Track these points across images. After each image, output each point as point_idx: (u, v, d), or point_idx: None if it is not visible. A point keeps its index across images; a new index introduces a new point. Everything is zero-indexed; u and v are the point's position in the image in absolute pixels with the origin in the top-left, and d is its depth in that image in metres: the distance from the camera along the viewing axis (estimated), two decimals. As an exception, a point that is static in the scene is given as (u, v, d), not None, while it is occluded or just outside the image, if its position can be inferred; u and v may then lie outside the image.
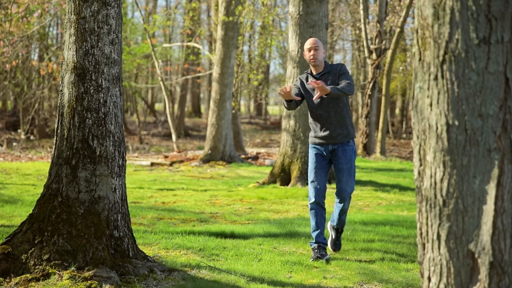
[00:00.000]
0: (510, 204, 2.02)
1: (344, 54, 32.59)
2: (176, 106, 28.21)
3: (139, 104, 32.45)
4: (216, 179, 11.33)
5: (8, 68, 16.25)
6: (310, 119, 5.19)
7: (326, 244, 5.06)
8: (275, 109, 49.17)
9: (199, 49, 23.21)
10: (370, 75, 16.80)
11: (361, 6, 16.77)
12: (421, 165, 2.20)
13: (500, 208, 2.02)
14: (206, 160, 14.02)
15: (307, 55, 5.12)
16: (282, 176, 9.88)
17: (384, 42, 16.58)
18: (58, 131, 4.26)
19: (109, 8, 4.23)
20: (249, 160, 15.19)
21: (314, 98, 4.85)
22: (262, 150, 18.21)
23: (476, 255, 2.05)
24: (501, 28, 2.02)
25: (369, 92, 16.84)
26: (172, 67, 28.02)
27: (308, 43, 5.13)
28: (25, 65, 20.83)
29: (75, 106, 4.18)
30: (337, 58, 33.31)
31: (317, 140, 5.10)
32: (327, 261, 4.91)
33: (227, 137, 14.23)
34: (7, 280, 3.90)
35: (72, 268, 3.90)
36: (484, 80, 2.04)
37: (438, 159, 2.12)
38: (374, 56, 16.67)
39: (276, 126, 31.68)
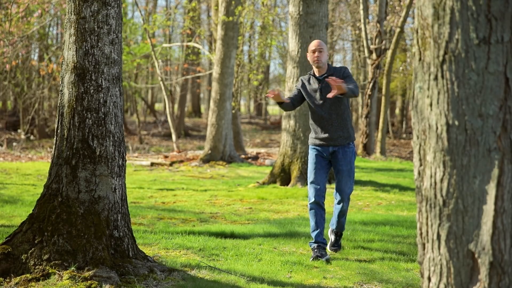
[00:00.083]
0: (510, 204, 2.02)
1: (344, 54, 32.60)
2: (176, 106, 28.22)
3: (139, 104, 32.46)
4: (216, 179, 11.33)
5: (8, 68, 16.25)
6: (311, 120, 5.21)
7: (326, 244, 5.07)
8: (275, 109, 49.18)
9: (199, 49, 23.22)
10: (370, 75, 16.80)
11: (361, 6, 16.77)
12: (421, 165, 2.20)
13: (500, 208, 2.02)
14: (206, 160, 14.02)
15: (311, 56, 5.14)
16: (282, 176, 9.88)
17: (384, 42, 16.58)
18: (58, 131, 4.26)
19: (109, 8, 4.23)
20: (249, 160, 15.19)
21: (329, 95, 4.85)
22: (262, 150, 18.21)
23: (476, 255, 2.05)
24: (501, 28, 2.02)
25: (369, 92, 16.84)
26: (172, 67, 28.02)
27: (313, 45, 5.15)
28: (25, 65, 20.83)
29: (75, 106, 4.18)
30: (337, 58, 33.33)
31: (318, 142, 5.14)
32: (327, 261, 4.91)
33: (227, 137, 14.24)
34: (7, 280, 3.90)
35: (72, 268, 3.90)
36: (484, 80, 2.04)
37: (438, 159, 2.12)
38: (374, 56, 16.67)
39: (276, 126, 31.69)
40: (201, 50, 21.80)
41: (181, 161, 14.42)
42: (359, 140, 17.28)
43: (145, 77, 30.96)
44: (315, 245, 5.01)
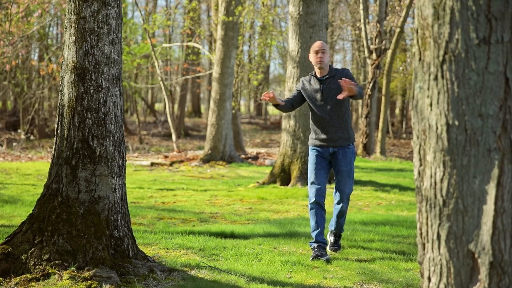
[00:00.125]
0: (510, 204, 2.02)
1: (344, 54, 32.60)
2: (176, 106, 28.22)
3: (139, 104, 32.46)
4: (216, 179, 11.33)
5: (8, 68, 16.25)
6: (312, 121, 5.23)
7: (326, 244, 5.07)
8: (275, 109, 49.14)
9: (199, 49, 23.21)
10: (370, 75, 16.80)
11: (361, 6, 16.77)
12: (421, 165, 2.20)
13: (500, 208, 2.02)
14: (206, 160, 14.02)
15: (314, 57, 5.16)
16: (282, 176, 9.88)
17: (384, 42, 16.58)
18: (58, 131, 4.26)
19: (109, 8, 4.23)
20: (249, 160, 15.19)
21: (339, 96, 4.88)
22: (262, 150, 18.21)
23: (476, 255, 2.05)
24: (501, 28, 2.02)
25: (369, 92, 16.84)
26: (172, 67, 28.02)
27: (316, 46, 5.18)
28: (25, 65, 20.83)
29: (75, 106, 4.18)
30: (337, 58, 33.32)
31: (318, 142, 5.17)
32: (327, 261, 4.91)
33: (227, 137, 14.24)
34: (7, 280, 3.90)
35: (72, 268, 3.90)
36: (484, 80, 2.04)
37: (438, 159, 2.12)
38: (374, 56, 16.67)
39: (276, 126, 31.69)
40: (201, 50, 21.80)
41: (181, 161, 14.42)
42: (359, 140, 17.28)
43: (145, 77, 30.95)
44: (315, 244, 5.01)
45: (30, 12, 16.35)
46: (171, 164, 13.87)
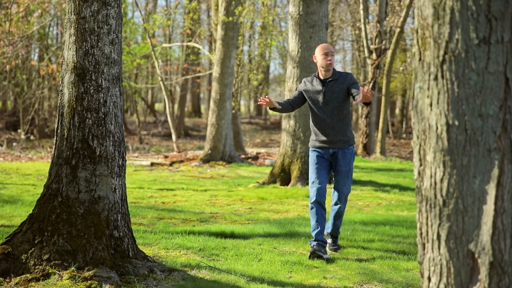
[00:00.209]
0: (510, 204, 2.02)
1: (344, 54, 32.59)
2: (176, 106, 28.21)
3: (139, 104, 32.46)
4: (216, 179, 11.33)
5: (8, 68, 16.25)
6: (312, 123, 5.26)
7: (326, 243, 5.08)
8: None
9: (199, 49, 23.21)
10: (370, 75, 16.80)
11: (361, 6, 16.77)
12: (421, 165, 2.20)
13: (500, 208, 2.02)
14: (206, 160, 14.02)
15: (323, 59, 5.17)
16: (282, 176, 9.88)
17: (384, 42, 16.58)
18: (58, 131, 4.26)
19: (109, 8, 4.23)
20: (249, 160, 15.19)
21: (355, 102, 4.91)
22: (262, 150, 18.21)
23: (476, 255, 2.05)
24: (501, 28, 2.02)
25: (369, 92, 16.82)
26: (172, 67, 28.02)
27: (325, 48, 5.20)
28: (25, 65, 20.84)
29: (75, 106, 4.18)
30: (337, 58, 33.31)
31: (318, 144, 5.21)
32: (327, 260, 4.91)
33: (227, 137, 14.24)
34: (7, 280, 3.90)
35: (72, 268, 3.90)
36: (484, 80, 2.04)
37: (438, 159, 2.12)
38: (374, 56, 16.67)
39: (276, 126, 31.69)
40: (201, 50, 21.79)
41: (181, 161, 14.42)
42: (359, 140, 17.28)
43: (145, 77, 30.95)
44: (315, 242, 5.02)
45: (30, 12, 16.34)
46: (171, 164, 13.86)
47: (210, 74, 20.82)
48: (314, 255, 4.93)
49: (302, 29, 9.60)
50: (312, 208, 5.08)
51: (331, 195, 5.28)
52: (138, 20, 26.48)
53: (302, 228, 6.13)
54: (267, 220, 6.85)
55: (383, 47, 16.62)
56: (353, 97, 5.11)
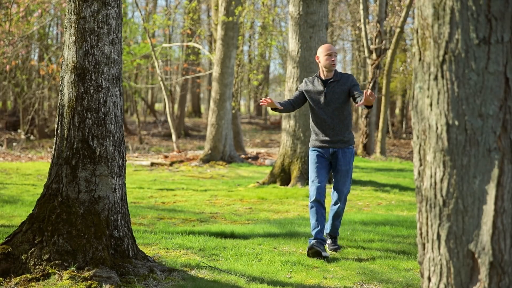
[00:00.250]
0: (510, 204, 2.02)
1: (344, 54, 32.58)
2: (176, 106, 28.21)
3: (139, 104, 32.45)
4: (216, 179, 11.33)
5: (8, 68, 16.25)
6: (312, 123, 5.27)
7: (325, 241, 5.09)
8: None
9: (199, 49, 23.21)
10: (370, 75, 16.80)
11: (361, 6, 16.77)
12: (421, 165, 2.20)
13: (500, 208, 2.02)
14: (206, 160, 14.02)
15: (328, 60, 5.19)
16: (282, 176, 9.88)
17: (384, 42, 16.58)
18: (58, 131, 4.26)
19: (109, 8, 4.23)
20: (249, 160, 15.19)
21: (357, 105, 4.94)
22: (262, 150, 18.21)
23: (476, 255, 2.05)
24: (501, 28, 2.02)
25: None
26: (172, 67, 28.02)
27: (329, 48, 5.23)
28: (25, 65, 20.84)
29: (75, 106, 4.18)
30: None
31: (318, 143, 5.24)
32: (326, 258, 4.92)
33: (227, 137, 14.24)
34: (7, 280, 3.90)
35: (72, 268, 3.90)
36: (484, 80, 2.04)
37: (438, 159, 2.12)
38: (374, 56, 16.67)
39: (276, 126, 31.69)
40: (201, 50, 21.79)
41: (181, 161, 14.42)
42: (359, 140, 17.28)
43: (145, 77, 30.95)
44: (314, 240, 5.03)
45: (30, 12, 16.34)
46: (171, 164, 13.86)
47: (210, 74, 20.82)
48: (312, 250, 4.93)
49: (302, 29, 9.60)
50: (312, 207, 5.10)
51: (331, 195, 5.29)
52: (138, 20, 26.49)
53: (302, 228, 6.13)
54: (267, 220, 6.85)
55: (383, 47, 16.62)
56: (354, 99, 5.13)
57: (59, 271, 3.88)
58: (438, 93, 2.11)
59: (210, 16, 25.60)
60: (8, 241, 4.12)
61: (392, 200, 8.66)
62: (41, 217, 4.10)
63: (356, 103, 5.07)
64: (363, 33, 16.80)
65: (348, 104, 5.22)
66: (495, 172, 2.02)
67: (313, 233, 5.07)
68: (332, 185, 5.44)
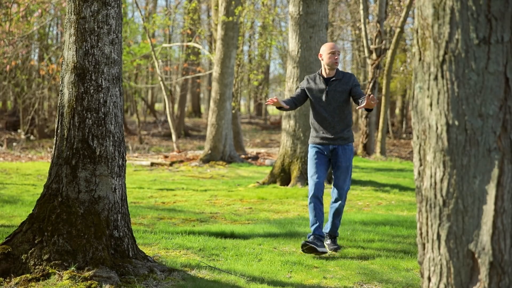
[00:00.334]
0: (510, 204, 2.02)
1: (344, 54, 32.57)
2: (176, 106, 28.21)
3: (139, 104, 32.45)
4: (216, 179, 11.33)
5: (8, 68, 16.25)
6: (313, 120, 5.30)
7: (324, 237, 5.12)
8: (275, 109, 49.14)
9: (199, 49, 23.21)
10: (370, 75, 16.80)
11: (361, 6, 16.77)
12: (421, 165, 2.20)
13: (500, 208, 2.02)
14: (206, 160, 14.02)
15: (331, 58, 5.22)
16: (282, 176, 9.88)
17: (384, 42, 16.58)
18: (58, 131, 4.26)
19: (109, 8, 4.23)
20: (249, 160, 15.19)
21: (358, 108, 5.00)
22: (262, 150, 18.21)
23: (476, 255, 2.05)
24: (501, 28, 2.02)
25: (369, 92, 16.83)
26: (172, 67, 28.01)
27: (333, 47, 5.27)
28: (25, 65, 20.84)
29: (75, 106, 4.18)
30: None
31: (318, 140, 5.27)
32: (323, 253, 4.97)
33: (227, 137, 14.23)
34: (7, 280, 3.90)
35: (72, 268, 3.90)
36: (484, 80, 2.04)
37: (438, 159, 2.12)
38: (374, 56, 16.67)
39: (276, 126, 31.69)
40: (201, 50, 21.79)
41: (181, 161, 14.42)
42: (359, 140, 17.28)
43: (145, 77, 30.94)
44: (312, 236, 5.05)
45: (30, 12, 16.34)
46: (171, 164, 13.86)
47: (210, 74, 20.82)
48: (306, 246, 4.94)
49: (302, 29, 9.60)
50: (310, 203, 5.14)
51: (331, 193, 5.32)
52: (138, 20, 26.48)
53: (302, 228, 6.13)
54: (267, 220, 6.85)
55: (383, 47, 16.62)
56: (355, 100, 5.16)
57: (59, 271, 3.88)
58: (438, 93, 2.11)
59: (210, 16, 25.60)
60: (8, 241, 4.12)
61: (392, 200, 8.66)
62: (41, 217, 4.10)
63: (357, 104, 5.09)
64: (363, 33, 16.80)
65: (349, 103, 5.26)
66: (495, 172, 2.02)
67: (312, 229, 5.12)
68: (331, 185, 5.45)
